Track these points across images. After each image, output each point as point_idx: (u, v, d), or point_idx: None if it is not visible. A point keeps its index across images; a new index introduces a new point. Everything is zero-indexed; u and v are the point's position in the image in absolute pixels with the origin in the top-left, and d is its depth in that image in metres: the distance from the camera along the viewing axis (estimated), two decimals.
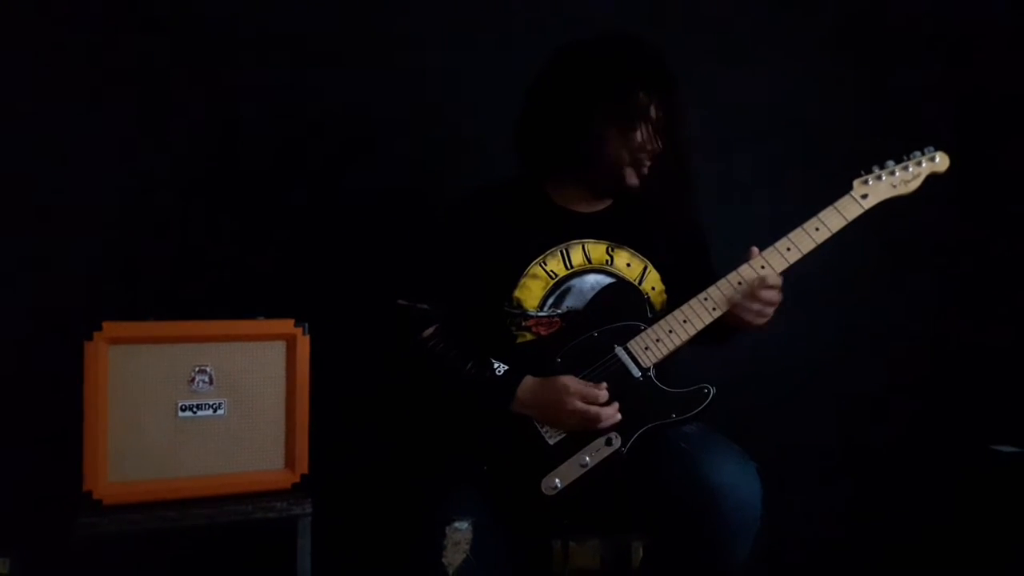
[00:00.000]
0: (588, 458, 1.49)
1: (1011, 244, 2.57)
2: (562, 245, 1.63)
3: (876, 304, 2.50)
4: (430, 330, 1.59)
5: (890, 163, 1.61)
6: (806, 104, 2.43)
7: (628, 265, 1.66)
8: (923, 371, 2.53)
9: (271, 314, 1.66)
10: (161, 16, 1.94)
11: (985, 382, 2.55)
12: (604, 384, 1.50)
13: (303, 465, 1.64)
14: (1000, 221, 2.58)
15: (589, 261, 1.64)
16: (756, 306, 1.54)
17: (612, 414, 1.49)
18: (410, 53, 2.11)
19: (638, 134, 1.58)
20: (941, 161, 1.62)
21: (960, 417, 2.53)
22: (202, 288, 1.92)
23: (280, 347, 1.64)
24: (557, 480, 1.49)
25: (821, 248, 1.57)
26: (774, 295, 1.54)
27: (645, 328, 1.56)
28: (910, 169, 1.61)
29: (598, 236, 1.66)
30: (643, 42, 1.61)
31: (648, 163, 1.61)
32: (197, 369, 1.59)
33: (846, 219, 1.58)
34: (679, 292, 1.60)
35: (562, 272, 1.62)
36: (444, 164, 2.12)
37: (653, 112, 1.58)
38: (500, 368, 1.53)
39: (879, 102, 2.50)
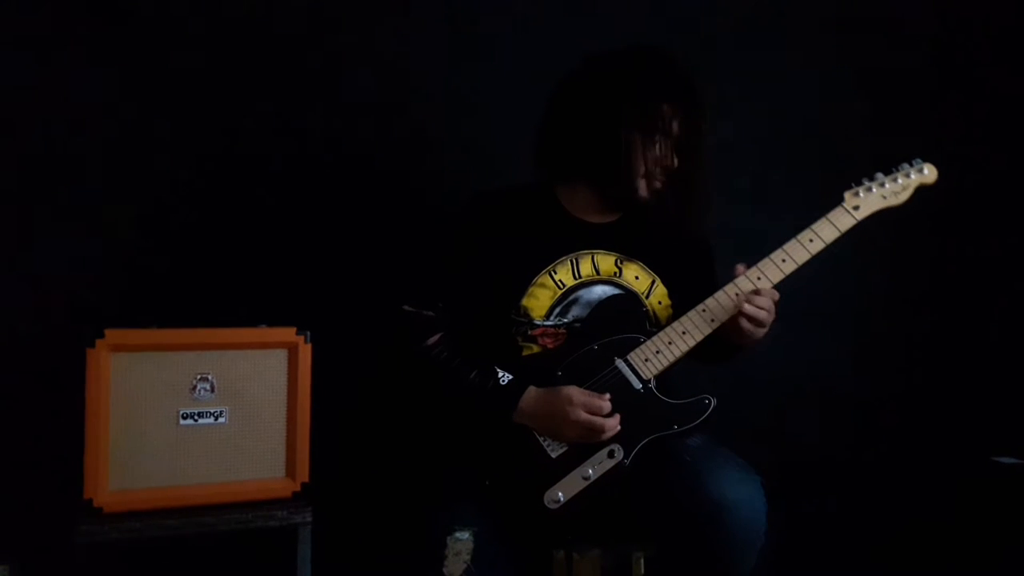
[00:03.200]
0: (591, 471, 1.49)
1: (1012, 251, 2.57)
2: (572, 255, 1.63)
3: (877, 314, 2.50)
4: (435, 337, 1.58)
5: (879, 175, 1.64)
6: (804, 112, 2.44)
7: (636, 278, 1.65)
8: (924, 381, 2.53)
9: (273, 322, 1.66)
10: (162, 18, 1.95)
11: (986, 392, 2.55)
12: (608, 395, 1.50)
13: (304, 474, 1.63)
14: (1001, 227, 2.58)
15: (598, 272, 1.64)
16: (750, 311, 1.52)
17: (614, 425, 1.48)
18: (414, 56, 2.12)
19: (657, 146, 1.58)
20: (929, 173, 1.65)
21: (961, 428, 2.53)
22: (204, 296, 1.92)
23: (282, 355, 1.64)
24: (560, 493, 1.48)
25: (815, 259, 1.58)
26: (764, 302, 1.53)
27: (645, 340, 1.56)
28: (899, 181, 1.64)
29: (608, 248, 1.66)
30: (674, 58, 1.62)
31: (661, 178, 1.61)
32: (199, 377, 1.59)
33: (839, 230, 1.59)
34: (684, 306, 1.60)
35: (570, 282, 1.62)
36: (449, 170, 2.13)
37: (675, 127, 1.59)
38: (504, 377, 1.53)
39: (877, 110, 2.51)
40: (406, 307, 1.60)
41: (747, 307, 1.52)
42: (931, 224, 2.50)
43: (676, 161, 1.60)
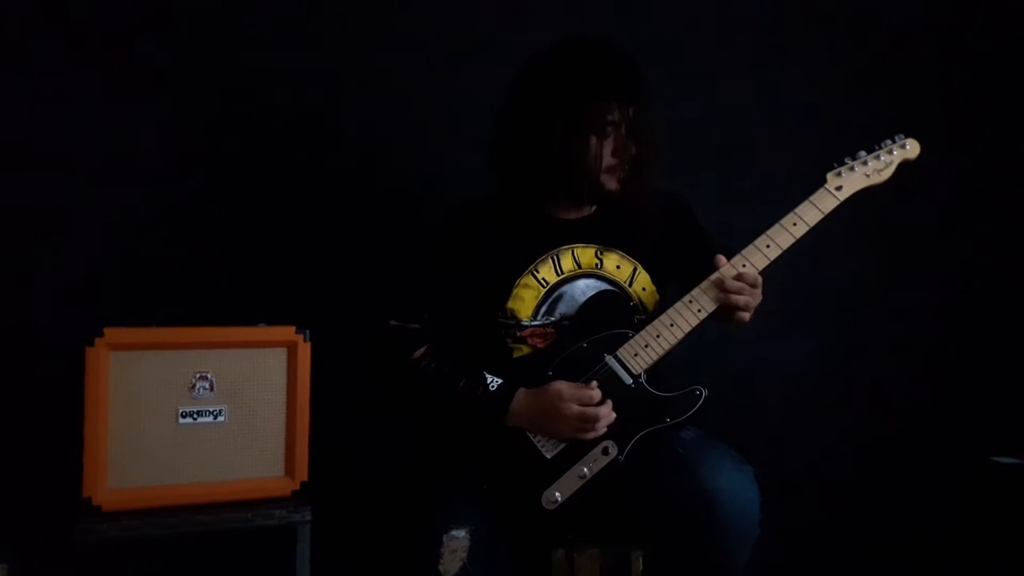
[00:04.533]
0: (586, 469, 1.49)
1: (1011, 250, 2.57)
2: (552, 252, 1.64)
3: (875, 311, 2.50)
4: (421, 350, 1.59)
5: (862, 153, 1.64)
6: (800, 107, 2.44)
7: (618, 267, 1.66)
8: (922, 380, 2.53)
9: (272, 321, 1.66)
10: (163, 18, 1.95)
11: (986, 392, 2.54)
12: (595, 383, 1.51)
13: (303, 472, 1.63)
14: (1001, 226, 2.58)
15: (579, 266, 1.64)
16: (734, 300, 1.52)
17: (608, 413, 1.49)
18: (416, 61, 2.13)
19: (611, 140, 1.59)
20: (912, 148, 1.65)
21: (960, 427, 2.52)
22: (203, 294, 1.93)
23: (281, 354, 1.64)
24: (557, 494, 1.49)
25: (800, 242, 1.58)
26: (742, 287, 1.52)
27: (633, 335, 1.56)
28: (882, 158, 1.63)
29: (586, 240, 1.66)
30: (600, 45, 1.60)
31: (625, 167, 1.61)
32: (198, 375, 1.59)
33: (822, 212, 1.59)
34: (689, 281, 1.59)
35: (553, 279, 1.62)
36: (448, 170, 2.13)
37: (616, 117, 1.58)
38: (493, 383, 1.53)
39: (880, 108, 2.51)
40: (392, 322, 1.61)
41: (732, 297, 1.51)
42: (931, 224, 2.50)
43: (634, 147, 1.60)
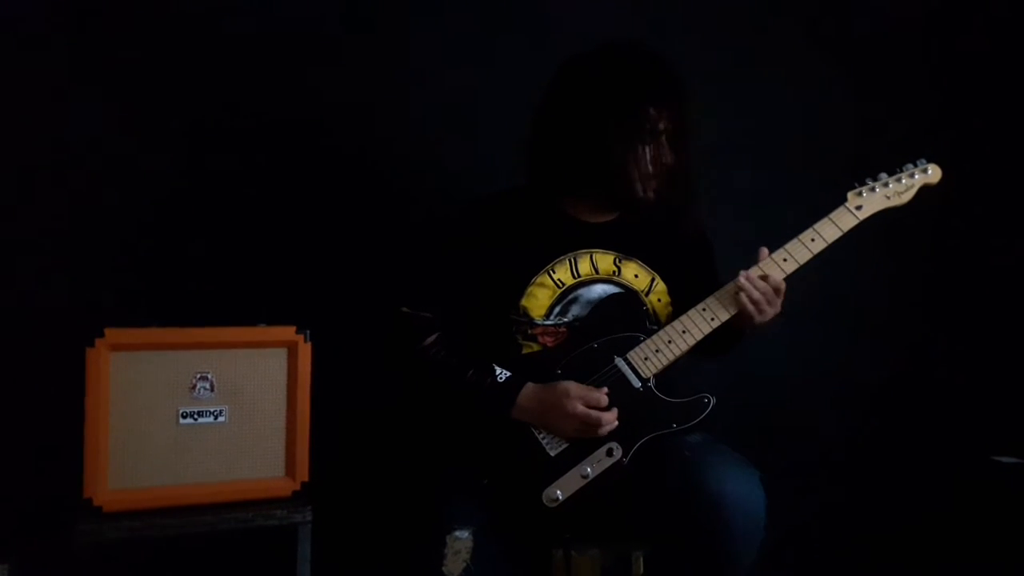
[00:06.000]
0: (589, 469, 1.49)
1: (1012, 250, 2.57)
2: (570, 254, 1.63)
3: (876, 312, 2.50)
4: (432, 338, 1.58)
5: (883, 175, 1.64)
6: (808, 113, 2.44)
7: (636, 276, 1.65)
8: (923, 380, 2.53)
9: (273, 321, 1.66)
10: (161, 16, 1.95)
11: (986, 391, 2.54)
12: (605, 389, 1.51)
13: (304, 473, 1.63)
14: (1001, 227, 2.58)
15: (597, 271, 1.63)
16: (756, 297, 1.53)
17: (612, 419, 1.49)
18: (415, 56, 2.12)
19: (649, 149, 1.58)
20: (933, 173, 1.66)
21: (961, 427, 2.52)
22: (204, 295, 1.92)
23: (281, 354, 1.64)
24: (558, 492, 1.48)
25: (817, 258, 1.59)
26: (762, 285, 1.53)
27: (644, 339, 1.56)
28: (903, 181, 1.64)
29: (606, 246, 1.65)
30: (650, 53, 1.61)
31: (661, 177, 1.61)
32: (198, 376, 1.59)
33: (841, 230, 1.60)
34: (685, 304, 1.60)
35: (569, 281, 1.62)
36: (448, 171, 2.12)
37: (663, 125, 1.58)
38: (502, 375, 1.53)
39: (879, 110, 2.51)
40: (404, 309, 1.61)
41: (753, 293, 1.51)
42: (932, 222, 2.49)
43: (672, 157, 1.60)
